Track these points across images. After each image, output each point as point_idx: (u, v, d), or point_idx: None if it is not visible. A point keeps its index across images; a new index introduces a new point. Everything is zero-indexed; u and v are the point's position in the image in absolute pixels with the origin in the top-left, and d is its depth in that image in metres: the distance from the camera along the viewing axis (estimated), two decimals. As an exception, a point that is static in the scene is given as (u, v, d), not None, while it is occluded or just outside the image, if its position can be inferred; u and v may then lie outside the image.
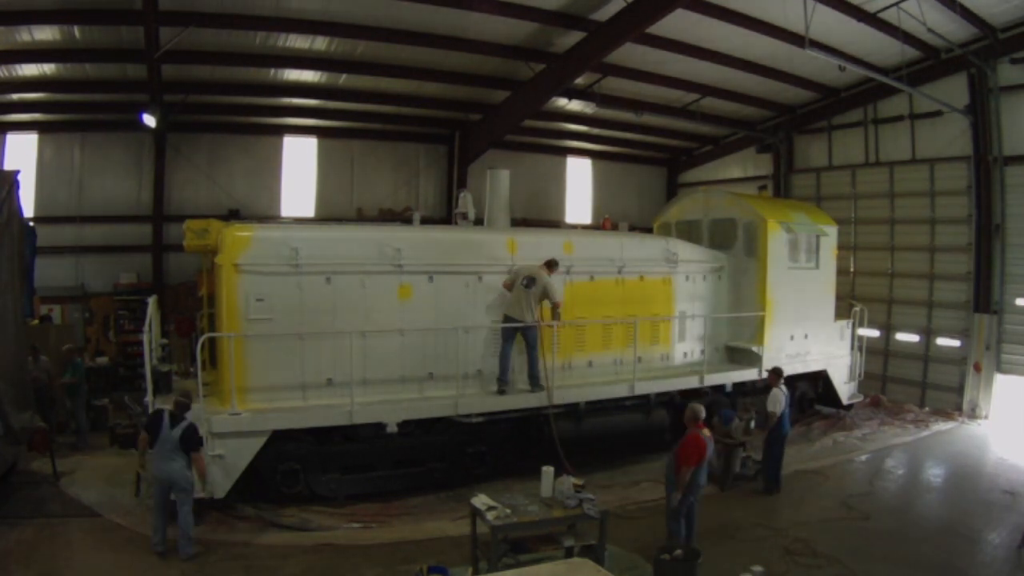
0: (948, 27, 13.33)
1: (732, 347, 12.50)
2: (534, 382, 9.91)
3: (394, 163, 18.07)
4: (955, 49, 14.05)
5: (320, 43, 12.93)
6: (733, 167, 20.61)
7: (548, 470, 6.96)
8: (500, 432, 9.82)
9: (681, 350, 11.91)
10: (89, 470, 9.90)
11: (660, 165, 22.42)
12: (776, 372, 10.10)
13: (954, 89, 14.58)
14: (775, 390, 9.81)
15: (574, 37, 13.14)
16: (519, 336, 9.80)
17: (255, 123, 16.41)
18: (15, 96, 13.56)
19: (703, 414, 7.53)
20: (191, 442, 7.29)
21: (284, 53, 13.21)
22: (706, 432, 7.44)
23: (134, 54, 12.12)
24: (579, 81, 14.81)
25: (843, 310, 14.27)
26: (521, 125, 17.10)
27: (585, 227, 19.37)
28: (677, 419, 9.82)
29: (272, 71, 13.99)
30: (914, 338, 15.93)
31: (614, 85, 15.60)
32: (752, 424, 10.59)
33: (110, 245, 15.28)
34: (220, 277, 8.67)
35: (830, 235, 13.43)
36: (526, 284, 9.58)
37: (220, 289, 8.70)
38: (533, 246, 10.34)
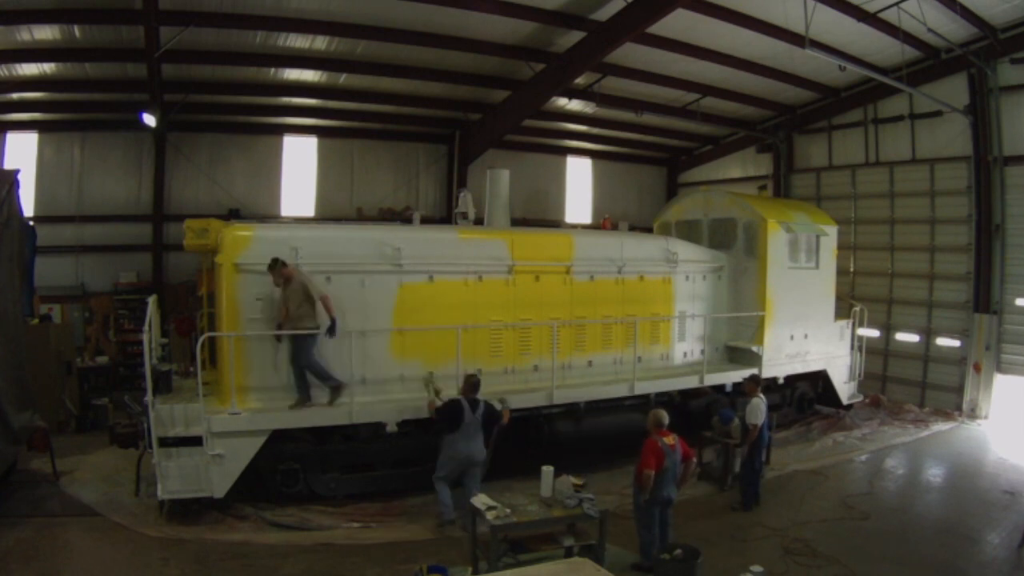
0: (948, 27, 13.32)
1: (732, 347, 12.50)
2: (302, 391, 8.67)
3: (394, 163, 18.07)
4: (955, 49, 14.04)
5: (320, 43, 12.93)
6: (733, 167, 20.60)
7: (548, 470, 6.95)
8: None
9: (681, 350, 11.91)
10: (89, 469, 9.89)
11: (660, 165, 22.41)
12: (754, 380, 9.57)
13: (954, 89, 14.57)
14: (755, 399, 9.21)
15: (574, 37, 13.14)
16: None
17: (255, 123, 16.41)
18: (15, 95, 13.56)
19: (665, 420, 7.19)
20: (494, 417, 8.25)
21: (284, 53, 13.21)
22: (668, 440, 7.05)
23: (134, 53, 12.12)
24: (579, 81, 14.80)
25: (843, 310, 14.26)
26: (521, 125, 17.08)
27: (585, 227, 19.35)
28: (677, 419, 9.78)
29: (272, 71, 14.00)
30: (914, 338, 15.93)
31: (614, 85, 15.59)
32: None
33: (110, 244, 15.28)
34: (220, 277, 8.67)
35: (830, 235, 13.41)
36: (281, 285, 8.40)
37: (220, 289, 8.70)
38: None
